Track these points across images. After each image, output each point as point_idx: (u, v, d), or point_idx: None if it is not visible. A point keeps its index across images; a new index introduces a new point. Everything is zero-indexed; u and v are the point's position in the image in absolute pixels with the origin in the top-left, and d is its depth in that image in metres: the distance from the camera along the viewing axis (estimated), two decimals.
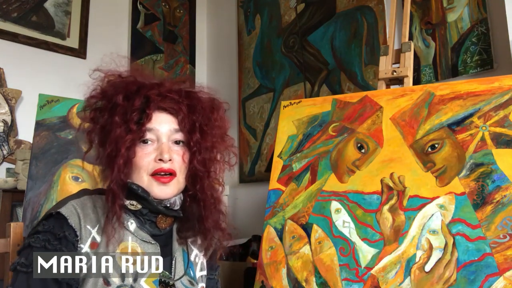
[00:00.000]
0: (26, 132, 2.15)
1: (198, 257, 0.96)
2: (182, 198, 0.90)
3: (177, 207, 0.88)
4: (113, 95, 0.84)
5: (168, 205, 0.87)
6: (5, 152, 2.12)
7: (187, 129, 0.87)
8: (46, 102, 1.66)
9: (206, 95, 0.93)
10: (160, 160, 0.84)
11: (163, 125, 0.85)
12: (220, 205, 0.93)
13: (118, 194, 0.81)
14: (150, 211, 0.86)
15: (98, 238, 0.81)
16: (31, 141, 1.73)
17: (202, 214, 0.90)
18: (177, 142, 0.87)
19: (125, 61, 0.93)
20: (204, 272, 0.97)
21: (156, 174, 0.84)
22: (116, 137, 0.81)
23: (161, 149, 0.84)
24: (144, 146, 0.84)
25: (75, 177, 1.60)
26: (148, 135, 0.84)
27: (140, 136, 0.83)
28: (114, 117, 0.82)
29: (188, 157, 0.87)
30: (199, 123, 0.87)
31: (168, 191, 0.85)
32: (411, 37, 1.94)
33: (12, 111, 2.15)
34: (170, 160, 0.84)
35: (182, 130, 0.87)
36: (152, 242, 0.86)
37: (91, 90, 0.87)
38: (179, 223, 0.93)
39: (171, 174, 0.85)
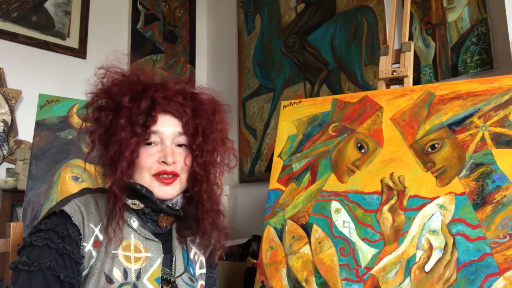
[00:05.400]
0: (26, 132, 2.15)
1: (197, 255, 0.97)
2: (182, 198, 0.91)
3: (178, 207, 0.89)
4: (118, 94, 0.84)
5: (170, 205, 0.87)
6: (5, 152, 2.12)
7: (191, 132, 0.87)
8: (46, 102, 1.66)
9: (208, 96, 0.94)
10: (164, 162, 0.84)
11: (168, 128, 0.86)
12: (218, 206, 0.95)
13: (119, 196, 0.81)
14: (152, 210, 0.87)
15: (101, 237, 0.81)
16: (31, 141, 1.73)
17: (199, 216, 0.91)
18: (179, 145, 0.88)
19: (127, 59, 0.93)
20: (204, 270, 0.98)
21: (158, 175, 0.84)
22: (120, 140, 0.81)
23: (165, 152, 0.85)
24: (148, 148, 0.85)
25: (75, 177, 1.60)
26: (153, 137, 0.85)
27: (144, 138, 0.83)
28: (119, 119, 0.82)
29: (190, 159, 0.88)
30: (202, 127, 0.88)
31: (170, 192, 0.86)
32: (411, 37, 1.94)
33: (12, 111, 2.15)
34: (174, 162, 0.85)
35: (185, 133, 0.87)
36: (155, 240, 0.87)
37: (93, 87, 0.87)
38: (179, 222, 0.94)
39: (174, 175, 0.86)
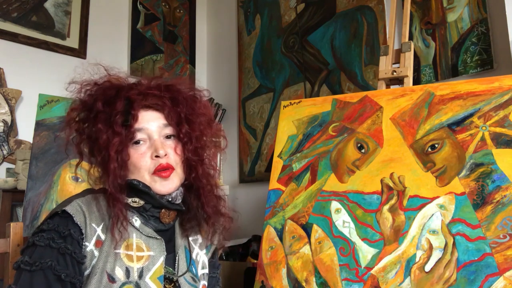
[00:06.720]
0: (26, 132, 2.15)
1: (199, 255, 0.97)
2: (182, 192, 0.91)
3: (178, 201, 0.90)
4: (93, 103, 0.85)
5: (170, 199, 0.88)
6: (5, 152, 2.12)
7: (175, 122, 0.88)
8: (46, 102, 1.66)
9: (184, 85, 0.95)
10: (157, 156, 0.85)
11: (152, 123, 0.87)
12: (217, 190, 0.95)
13: (118, 198, 0.82)
14: (153, 206, 0.87)
15: (102, 236, 0.82)
16: (31, 141, 1.73)
17: (202, 201, 0.91)
18: (167, 137, 0.89)
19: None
20: (206, 270, 0.98)
21: (156, 171, 0.85)
22: (103, 143, 0.82)
23: (155, 146, 0.85)
24: (138, 147, 0.85)
25: (75, 177, 1.61)
26: (139, 136, 0.85)
27: (130, 138, 0.84)
28: (97, 124, 0.83)
29: (180, 149, 0.89)
30: (184, 114, 0.89)
31: (170, 186, 0.86)
32: (411, 37, 1.94)
33: (12, 111, 2.15)
34: (165, 155, 0.85)
35: (170, 124, 0.88)
36: (158, 237, 0.87)
37: (70, 104, 0.89)
38: (181, 215, 0.94)
39: (170, 168, 0.86)
